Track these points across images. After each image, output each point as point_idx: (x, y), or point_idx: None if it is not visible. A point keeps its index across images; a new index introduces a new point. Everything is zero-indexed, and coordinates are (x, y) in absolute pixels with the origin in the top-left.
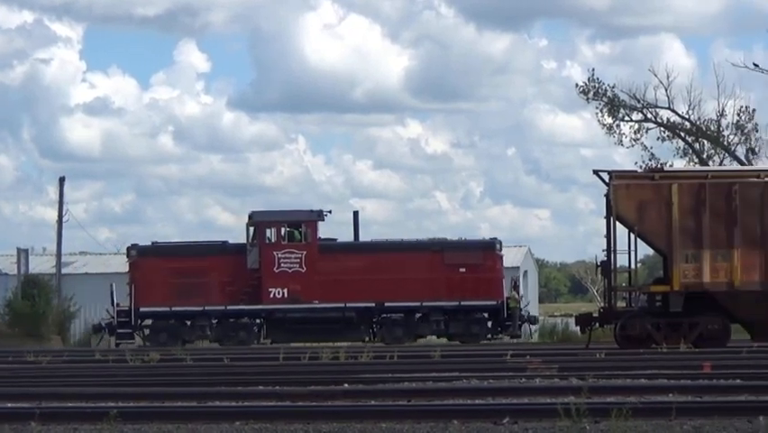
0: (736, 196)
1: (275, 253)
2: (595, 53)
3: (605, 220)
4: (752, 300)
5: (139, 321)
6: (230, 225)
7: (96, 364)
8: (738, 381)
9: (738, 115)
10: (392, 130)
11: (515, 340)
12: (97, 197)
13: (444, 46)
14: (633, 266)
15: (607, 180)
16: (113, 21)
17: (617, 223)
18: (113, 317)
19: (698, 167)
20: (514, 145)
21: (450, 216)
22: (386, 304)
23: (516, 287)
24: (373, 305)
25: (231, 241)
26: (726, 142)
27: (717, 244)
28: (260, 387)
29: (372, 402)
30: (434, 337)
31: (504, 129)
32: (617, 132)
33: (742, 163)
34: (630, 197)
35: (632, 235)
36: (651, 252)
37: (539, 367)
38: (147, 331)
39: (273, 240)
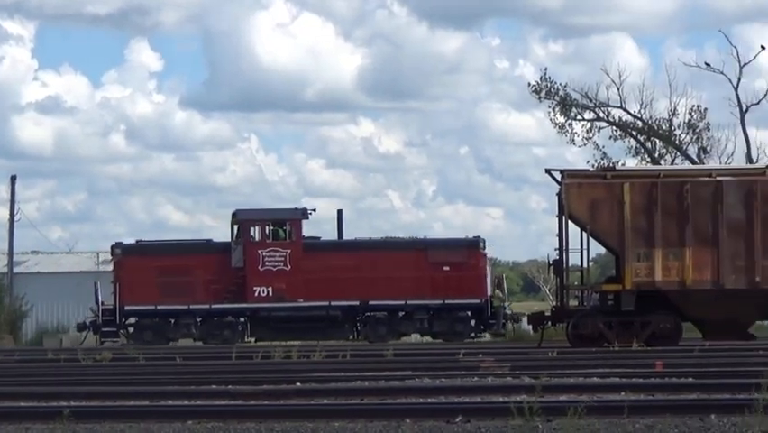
0: (687, 195)
1: (259, 251)
2: (548, 52)
3: (557, 219)
4: (703, 299)
5: (123, 319)
6: (182, 225)
7: (48, 364)
8: (690, 379)
9: (690, 114)
10: (345, 129)
11: (499, 339)
12: (49, 196)
13: (397, 45)
14: (585, 265)
15: (559, 179)
16: (64, 19)
17: (570, 222)
18: (97, 316)
19: (650, 166)
20: (466, 144)
21: (402, 215)
22: (370, 302)
23: (499, 285)
24: (357, 303)
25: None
26: (677, 142)
27: (669, 243)
28: (213, 386)
29: (325, 401)
30: (417, 336)
31: (456, 128)
32: (570, 131)
33: (694, 162)
34: (582, 196)
35: (584, 234)
36: (603, 250)
37: (491, 366)
38: (131, 329)
39: (258, 238)
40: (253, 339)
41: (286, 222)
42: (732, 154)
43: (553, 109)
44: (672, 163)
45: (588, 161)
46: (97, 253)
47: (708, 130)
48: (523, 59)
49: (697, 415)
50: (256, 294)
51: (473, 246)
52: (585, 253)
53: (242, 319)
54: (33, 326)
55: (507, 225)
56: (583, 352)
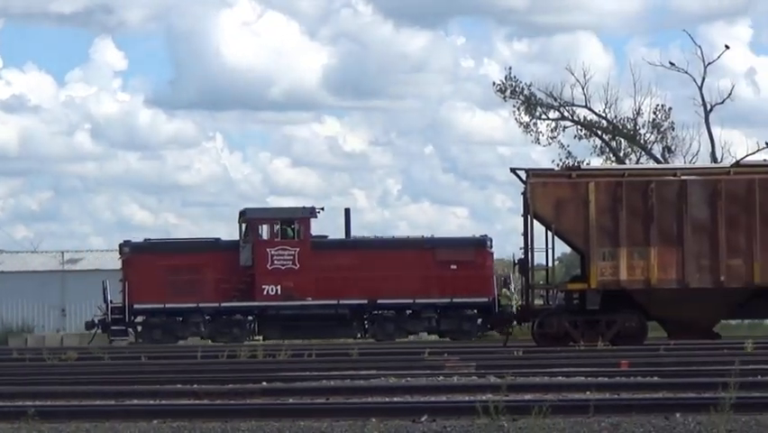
0: (652, 194)
1: (268, 249)
2: (513, 51)
3: (522, 218)
4: (668, 298)
5: (132, 318)
6: (147, 224)
7: (13, 363)
8: (656, 378)
9: (655, 113)
10: (309, 128)
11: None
12: (14, 194)
13: (362, 44)
14: (550, 264)
15: (524, 179)
16: (29, 17)
17: (535, 221)
18: (105, 314)
19: (614, 165)
20: (431, 143)
21: (367, 214)
22: (378, 301)
23: (506, 284)
24: (366, 302)
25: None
26: (642, 141)
27: (634, 242)
28: (179, 385)
29: (290, 400)
30: (425, 334)
31: (421, 127)
32: (534, 130)
33: (658, 162)
34: (547, 195)
35: (549, 233)
36: (568, 250)
37: (457, 365)
38: (140, 328)
39: (266, 237)
40: (261, 337)
41: (294, 221)
42: (697, 154)
43: (518, 108)
44: (636, 163)
45: (553, 161)
46: (62, 253)
47: (673, 129)
48: (488, 58)
49: (662, 414)
50: (265, 292)
51: (480, 245)
52: (550, 252)
53: (250, 318)
54: None
55: (472, 224)
56: (549, 351)
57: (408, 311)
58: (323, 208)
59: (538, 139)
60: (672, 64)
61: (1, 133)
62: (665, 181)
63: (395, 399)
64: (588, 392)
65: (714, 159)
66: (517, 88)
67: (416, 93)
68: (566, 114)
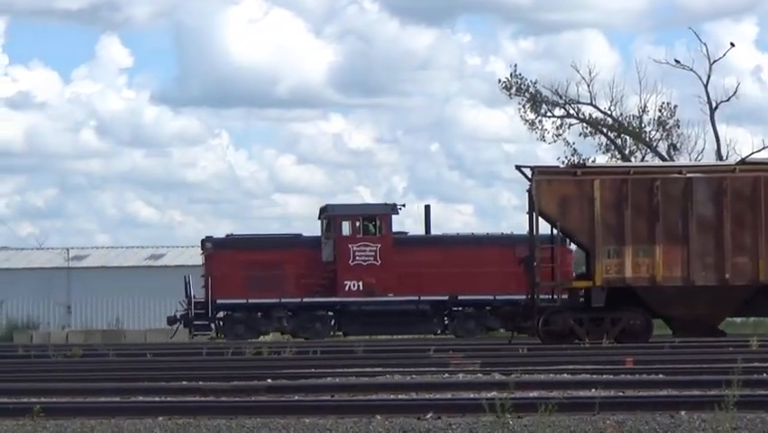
0: (657, 191)
1: (350, 245)
2: (519, 49)
3: (527, 216)
4: (673, 296)
5: (215, 313)
6: (152, 221)
7: (19, 360)
8: (660, 376)
9: (660, 111)
10: (315, 125)
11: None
12: (19, 191)
13: (368, 41)
14: (555, 261)
15: (529, 176)
16: (35, 14)
17: (540, 218)
18: (187, 310)
19: (620, 163)
20: (437, 141)
21: None
22: (459, 297)
23: None
24: (446, 298)
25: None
26: (648, 138)
27: (639, 240)
28: (184, 382)
29: (296, 397)
30: (502, 330)
31: (427, 124)
32: (540, 127)
33: (664, 159)
34: (552, 192)
35: (554, 231)
36: (573, 247)
37: (462, 363)
38: (222, 323)
39: (348, 233)
40: (342, 333)
41: (376, 217)
42: (702, 151)
43: (524, 106)
44: (642, 160)
45: (558, 158)
46: (67, 249)
47: (678, 127)
48: (494, 56)
49: (667, 411)
50: (346, 288)
51: (561, 242)
52: (555, 249)
53: (330, 313)
54: (4, 322)
55: (477, 221)
56: (554, 348)
57: (488, 308)
58: (404, 205)
59: (543, 136)
60: (677, 62)
61: (7, 129)
62: (671, 179)
63: (400, 396)
64: (593, 390)
65: (719, 156)
66: (523, 86)
67: (421, 90)
68: (571, 111)
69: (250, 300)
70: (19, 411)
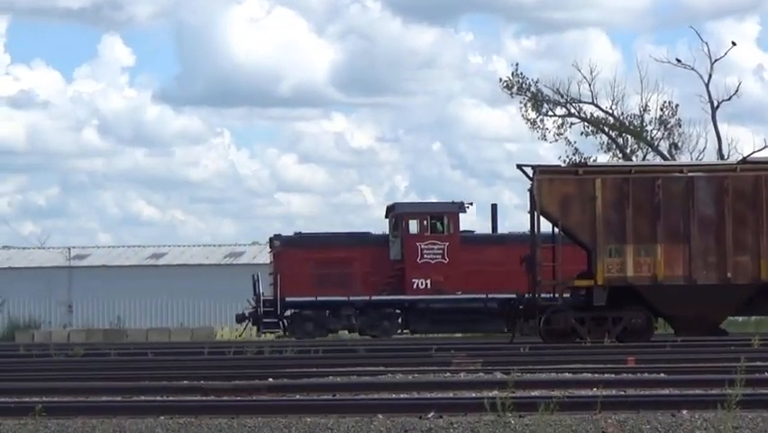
0: (659, 190)
1: (418, 244)
2: (521, 48)
3: (529, 215)
4: (675, 294)
5: (284, 311)
6: (154, 221)
7: (20, 359)
8: (662, 375)
9: (661, 110)
10: (317, 124)
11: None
12: (21, 191)
13: (370, 40)
14: (557, 260)
15: (530, 175)
16: (37, 13)
17: (541, 217)
18: (255, 307)
19: (621, 162)
20: (439, 140)
21: (375, 211)
22: (526, 296)
23: None
24: (514, 296)
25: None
26: (649, 138)
27: (641, 239)
28: (185, 382)
29: (297, 397)
30: None
31: (429, 123)
32: (541, 127)
33: (665, 158)
34: (554, 191)
35: (556, 230)
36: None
37: (464, 362)
38: (291, 321)
39: (416, 231)
40: (409, 331)
41: (444, 215)
42: (703, 150)
43: (525, 105)
44: (643, 159)
45: (559, 157)
46: (69, 249)
47: (680, 126)
48: (497, 55)
49: (669, 411)
50: (414, 286)
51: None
52: (557, 248)
53: (398, 311)
54: (5, 321)
55: (479, 220)
56: (555, 348)
57: None
58: (471, 204)
59: (545, 136)
60: (678, 61)
61: (9, 128)
62: (672, 178)
63: (402, 395)
64: (594, 389)
65: (721, 156)
66: (524, 85)
67: (424, 89)
68: (573, 110)
69: (318, 298)
70: (20, 411)
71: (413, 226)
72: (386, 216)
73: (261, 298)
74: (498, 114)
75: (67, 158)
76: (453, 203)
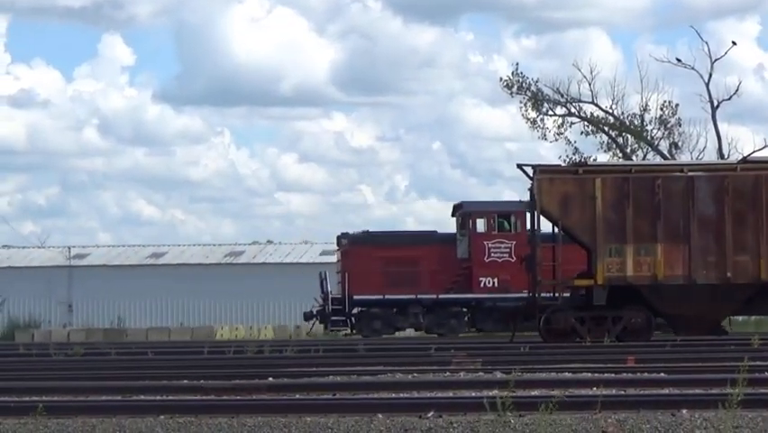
0: (659, 190)
1: (485, 242)
2: (521, 47)
3: (529, 214)
4: (675, 294)
5: (352, 309)
6: (154, 220)
7: (20, 359)
8: (662, 374)
9: (661, 109)
10: (317, 123)
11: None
12: (21, 190)
13: (371, 39)
14: (557, 260)
15: (531, 175)
16: (37, 12)
17: (542, 217)
18: (322, 305)
19: (621, 161)
20: (439, 139)
21: (375, 210)
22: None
23: None
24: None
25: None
26: (649, 137)
27: (641, 239)
28: (185, 381)
29: (297, 396)
30: None
31: (430, 123)
32: (541, 126)
33: (665, 158)
34: (554, 191)
35: (556, 229)
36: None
37: (463, 361)
38: (358, 319)
39: (483, 230)
40: (476, 329)
41: (511, 214)
42: (703, 150)
43: (525, 105)
44: (643, 159)
45: (560, 157)
46: (69, 248)
47: (680, 125)
48: (498, 54)
49: (669, 410)
50: (482, 285)
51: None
52: (557, 248)
53: (465, 310)
54: (5, 320)
55: None
56: (555, 347)
57: None
58: None
59: (545, 135)
60: (678, 60)
61: (9, 128)
62: (672, 177)
63: (401, 394)
64: (594, 388)
65: (721, 155)
66: (524, 84)
67: (424, 89)
68: (573, 110)
69: (386, 296)
70: (21, 410)
71: (480, 225)
72: (452, 215)
73: (329, 296)
74: (499, 113)
75: (67, 157)
76: (521, 201)
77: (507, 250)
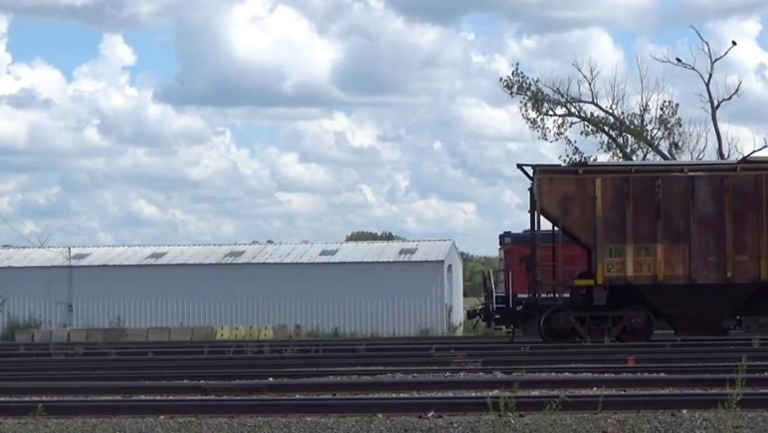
0: (659, 190)
1: None
2: (523, 47)
3: (529, 214)
4: (675, 294)
5: (514, 307)
6: (154, 220)
7: (20, 359)
8: (662, 374)
9: (662, 109)
10: (318, 123)
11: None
12: (22, 190)
13: (373, 39)
14: (557, 260)
15: (531, 175)
16: (38, 12)
17: (542, 217)
18: (486, 304)
19: (621, 161)
20: (440, 139)
21: (376, 210)
22: None
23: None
24: None
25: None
26: (649, 137)
27: (641, 238)
28: (185, 381)
29: (297, 396)
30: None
31: (430, 122)
32: (542, 126)
33: (665, 158)
34: (554, 191)
35: (556, 229)
36: None
37: (464, 361)
38: (522, 317)
39: None
40: None
41: None
42: (704, 150)
43: (525, 105)
44: (643, 159)
45: (560, 157)
46: (69, 248)
47: (680, 125)
48: (499, 54)
49: (669, 410)
50: None
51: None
52: (557, 247)
53: None
54: (5, 320)
55: (479, 220)
56: (556, 347)
57: None
58: None
59: (545, 135)
60: (679, 60)
61: (10, 127)
62: (672, 177)
63: (401, 394)
64: (595, 388)
65: (721, 155)
66: (524, 84)
67: (425, 89)
68: (573, 110)
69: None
70: (21, 410)
71: None
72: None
73: (493, 294)
74: (499, 113)
75: (67, 157)
76: None
77: None
